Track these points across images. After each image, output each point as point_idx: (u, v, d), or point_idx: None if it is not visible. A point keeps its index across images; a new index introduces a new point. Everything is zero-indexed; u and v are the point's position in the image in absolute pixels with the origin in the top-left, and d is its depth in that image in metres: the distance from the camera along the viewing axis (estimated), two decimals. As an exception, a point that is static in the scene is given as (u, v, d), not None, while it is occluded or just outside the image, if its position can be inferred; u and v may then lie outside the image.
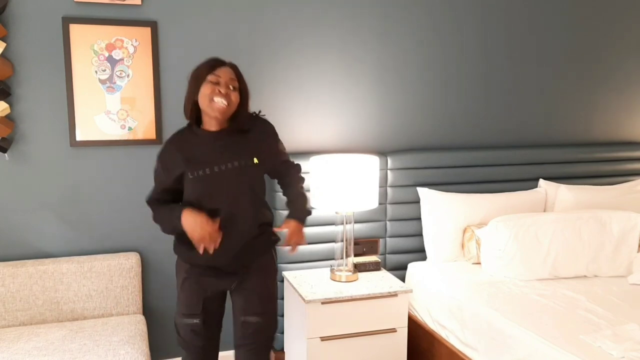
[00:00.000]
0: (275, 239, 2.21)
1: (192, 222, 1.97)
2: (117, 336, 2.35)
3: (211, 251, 1.99)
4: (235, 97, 2.03)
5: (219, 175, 2.03)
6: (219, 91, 1.99)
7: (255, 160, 2.08)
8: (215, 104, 1.99)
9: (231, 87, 2.02)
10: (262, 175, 2.15)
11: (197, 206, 2.02)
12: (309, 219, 2.87)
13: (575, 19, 3.34)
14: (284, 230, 2.14)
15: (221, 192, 2.04)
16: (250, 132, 2.11)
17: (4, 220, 2.58)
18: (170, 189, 2.11)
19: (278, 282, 2.30)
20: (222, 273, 2.13)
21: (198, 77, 2.02)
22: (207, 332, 2.19)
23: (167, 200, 2.13)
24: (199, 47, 2.73)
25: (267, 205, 2.18)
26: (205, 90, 2.00)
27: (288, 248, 2.19)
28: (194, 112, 2.07)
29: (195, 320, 2.15)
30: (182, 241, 2.08)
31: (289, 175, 2.27)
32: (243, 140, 2.09)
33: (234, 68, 2.07)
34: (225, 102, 1.99)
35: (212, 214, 2.00)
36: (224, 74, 2.02)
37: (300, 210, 2.21)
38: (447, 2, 3.07)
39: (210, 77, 2.00)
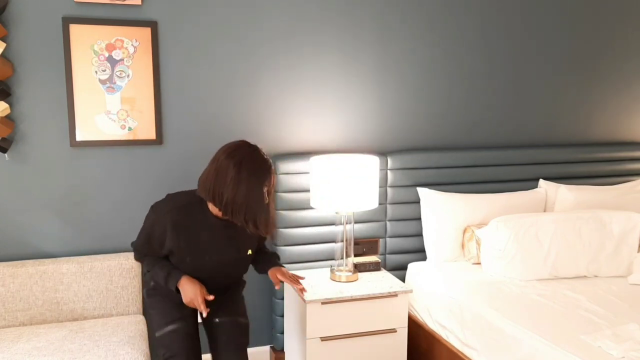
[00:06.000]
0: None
1: (190, 291, 2.06)
2: (117, 336, 2.35)
3: (204, 314, 2.07)
4: None
5: (216, 262, 2.15)
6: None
7: (250, 252, 2.22)
8: None
9: None
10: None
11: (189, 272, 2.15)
12: (309, 218, 2.92)
13: (575, 20, 3.34)
14: (280, 282, 2.27)
15: (215, 273, 2.18)
16: None
17: (4, 220, 2.58)
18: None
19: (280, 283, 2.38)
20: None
21: (259, 182, 2.01)
22: (195, 333, 2.25)
23: (154, 253, 2.19)
24: (199, 47, 2.73)
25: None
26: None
27: (297, 287, 2.29)
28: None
29: (184, 323, 2.20)
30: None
31: (264, 247, 2.44)
32: (243, 232, 2.15)
33: None
34: None
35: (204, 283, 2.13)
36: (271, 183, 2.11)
37: (277, 263, 2.36)
38: (447, 2, 3.08)
39: (266, 188, 2.05)
